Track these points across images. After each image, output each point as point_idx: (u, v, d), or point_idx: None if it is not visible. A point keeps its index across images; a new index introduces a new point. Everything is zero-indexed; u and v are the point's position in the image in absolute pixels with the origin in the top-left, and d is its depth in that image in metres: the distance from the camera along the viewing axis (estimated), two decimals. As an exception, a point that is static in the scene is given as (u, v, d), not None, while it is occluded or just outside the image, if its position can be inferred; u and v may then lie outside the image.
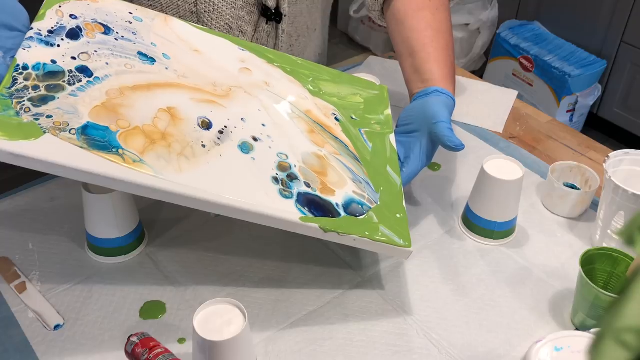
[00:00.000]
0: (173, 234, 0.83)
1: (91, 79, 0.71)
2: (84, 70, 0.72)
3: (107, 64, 0.73)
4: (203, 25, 0.90)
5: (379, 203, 0.74)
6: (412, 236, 0.85)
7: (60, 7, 0.76)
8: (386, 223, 0.72)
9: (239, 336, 0.60)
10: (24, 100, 0.66)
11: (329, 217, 0.70)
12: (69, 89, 0.69)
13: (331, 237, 0.69)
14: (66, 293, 0.75)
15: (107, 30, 0.77)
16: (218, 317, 0.62)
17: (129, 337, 0.66)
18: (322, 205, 0.70)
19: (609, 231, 0.81)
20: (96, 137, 0.65)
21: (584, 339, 0.65)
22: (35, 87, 0.68)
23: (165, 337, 0.70)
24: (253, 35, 0.94)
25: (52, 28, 0.74)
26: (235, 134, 0.72)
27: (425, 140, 0.82)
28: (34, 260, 0.79)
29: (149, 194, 0.65)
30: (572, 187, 0.90)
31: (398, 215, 0.74)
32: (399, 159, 0.82)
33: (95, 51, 0.74)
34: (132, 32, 0.78)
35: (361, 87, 0.89)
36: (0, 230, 0.82)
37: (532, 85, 2.41)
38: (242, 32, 0.93)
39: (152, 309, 0.73)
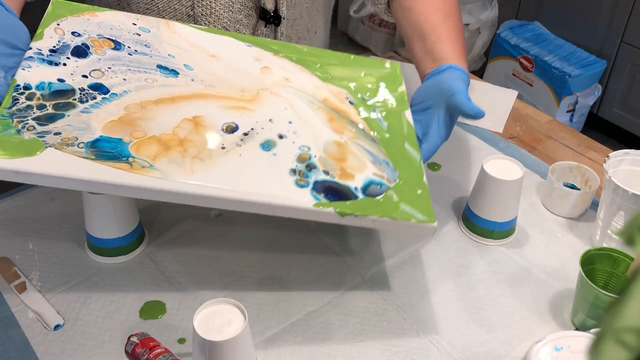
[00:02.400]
0: (173, 234, 0.83)
1: (107, 96, 0.68)
2: (99, 88, 0.69)
3: (124, 79, 0.70)
4: None
5: (398, 181, 0.71)
6: (412, 236, 0.85)
7: (58, 24, 0.74)
8: (406, 200, 0.69)
9: (239, 336, 0.60)
10: (27, 119, 0.64)
11: (346, 201, 0.67)
12: (81, 106, 0.67)
13: (349, 221, 0.67)
14: (66, 293, 0.75)
15: (117, 45, 0.74)
16: (218, 317, 0.62)
17: (129, 337, 0.66)
18: (339, 190, 0.68)
19: (609, 231, 0.81)
20: (106, 149, 0.63)
21: (584, 339, 0.65)
22: (41, 107, 0.65)
23: (165, 337, 0.70)
24: None
25: (55, 47, 0.72)
26: (261, 134, 0.71)
27: (443, 113, 0.79)
28: (34, 260, 0.79)
29: (156, 197, 0.63)
30: (572, 187, 0.90)
31: (419, 192, 0.71)
32: (417, 137, 0.79)
33: (109, 67, 0.71)
34: (145, 45, 0.75)
35: (372, 67, 0.87)
36: (0, 230, 0.82)
37: (532, 85, 2.41)
38: None
39: (152, 309, 0.73)
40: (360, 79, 0.84)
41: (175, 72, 0.74)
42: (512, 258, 0.82)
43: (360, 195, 0.68)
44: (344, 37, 3.08)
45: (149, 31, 0.78)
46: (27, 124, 0.64)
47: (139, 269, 0.78)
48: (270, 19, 0.92)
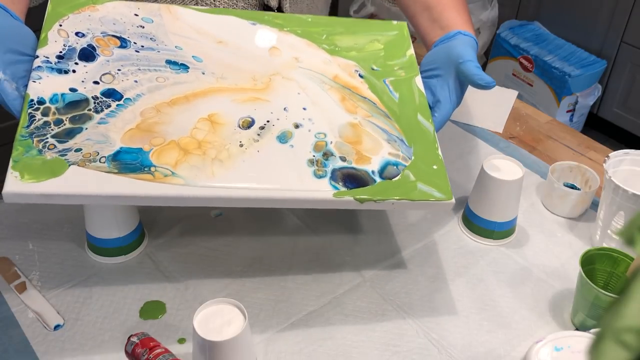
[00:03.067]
0: (173, 234, 0.83)
1: (121, 102, 0.69)
2: (112, 94, 0.69)
3: (135, 82, 0.71)
4: None
5: (413, 158, 0.72)
6: (412, 236, 0.85)
7: (61, 25, 0.74)
8: (423, 178, 0.70)
9: (239, 336, 0.60)
10: (46, 138, 0.64)
11: (364, 187, 0.68)
12: (97, 117, 0.67)
13: (368, 206, 0.68)
14: (66, 293, 0.75)
15: (123, 42, 0.74)
16: (218, 317, 0.62)
17: (129, 337, 0.66)
18: (357, 176, 0.69)
19: (609, 231, 0.81)
20: (127, 160, 0.64)
21: (584, 339, 0.65)
22: (58, 122, 0.66)
23: (165, 337, 0.70)
24: None
25: (61, 52, 0.71)
26: (277, 126, 0.71)
27: (452, 80, 0.79)
28: (34, 260, 0.79)
29: (181, 203, 0.65)
30: (572, 187, 0.90)
31: (434, 167, 0.72)
32: (429, 105, 0.79)
33: (119, 69, 0.71)
34: (151, 39, 0.75)
35: (378, 31, 0.86)
36: (0, 230, 0.82)
37: (532, 85, 2.41)
38: None
39: (152, 309, 0.73)
40: (367, 46, 0.83)
41: (185, 67, 0.74)
42: (512, 258, 0.82)
43: (378, 179, 0.69)
44: (344, 37, 3.08)
45: (152, 21, 0.77)
46: (47, 142, 0.64)
47: (139, 269, 0.78)
48: None
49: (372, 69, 0.81)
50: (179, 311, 0.73)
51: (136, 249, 0.80)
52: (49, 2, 0.77)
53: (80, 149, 0.64)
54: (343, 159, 0.70)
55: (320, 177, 0.68)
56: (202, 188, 0.64)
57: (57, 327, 0.71)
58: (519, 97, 1.17)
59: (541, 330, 0.73)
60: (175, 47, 0.76)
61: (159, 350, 0.64)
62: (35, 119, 0.66)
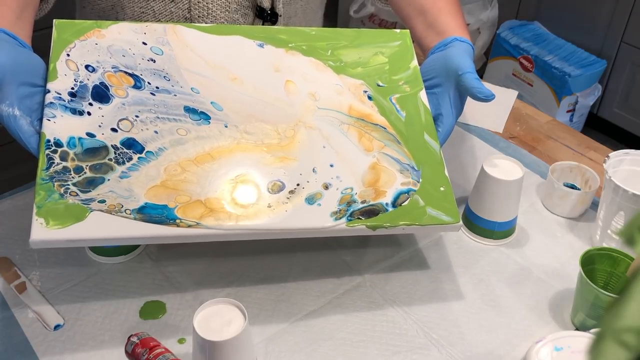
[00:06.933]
0: (173, 234, 0.83)
1: (143, 155, 0.68)
2: (132, 145, 0.69)
3: (156, 132, 0.70)
4: None
5: (421, 181, 0.74)
6: (412, 236, 0.85)
7: (68, 55, 0.73)
8: (432, 203, 0.72)
9: (239, 336, 0.60)
10: (67, 184, 0.65)
11: (377, 216, 0.70)
12: (119, 169, 0.67)
13: (380, 232, 0.70)
14: (66, 293, 0.75)
15: (136, 80, 0.73)
16: (218, 317, 0.62)
17: (129, 337, 0.66)
18: (372, 210, 0.71)
19: (609, 231, 0.81)
20: (153, 214, 0.65)
21: (584, 339, 0.65)
22: (79, 169, 0.66)
23: (165, 337, 0.70)
24: None
25: (73, 89, 0.71)
26: (307, 188, 0.71)
27: (452, 92, 0.80)
28: (34, 260, 0.79)
29: (204, 239, 0.67)
30: (572, 187, 0.90)
31: (442, 189, 0.74)
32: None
33: (137, 116, 0.71)
34: (164, 77, 0.74)
35: (382, 42, 0.86)
36: (0, 230, 0.82)
37: (532, 85, 2.41)
38: None
39: (152, 309, 0.73)
40: (372, 60, 0.84)
41: (205, 116, 0.73)
42: (512, 258, 0.82)
43: (390, 209, 0.71)
44: (344, 37, 3.07)
45: (162, 53, 0.76)
46: (68, 189, 0.65)
47: (139, 269, 0.78)
48: (267, 17, 0.92)
49: (378, 85, 0.82)
50: (179, 311, 0.73)
51: (136, 248, 0.80)
52: (53, 28, 0.76)
53: (104, 201, 0.65)
54: (364, 202, 0.71)
55: (339, 219, 0.69)
56: (226, 231, 0.66)
57: (57, 327, 0.71)
58: (519, 97, 1.17)
59: (541, 330, 0.73)
60: (192, 89, 0.75)
61: (159, 350, 0.64)
62: (54, 163, 0.66)
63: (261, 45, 0.81)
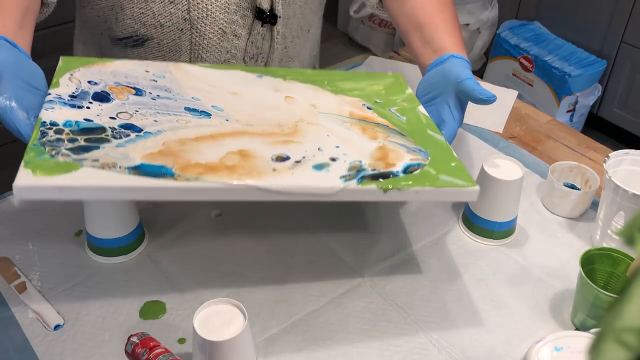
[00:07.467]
0: (173, 234, 0.83)
1: (141, 134, 0.66)
2: (131, 127, 0.67)
3: (155, 121, 0.69)
4: (197, 32, 0.89)
5: (430, 159, 0.72)
6: (412, 236, 0.85)
7: (72, 74, 0.73)
8: (444, 171, 0.70)
9: (239, 336, 0.60)
10: (59, 148, 0.61)
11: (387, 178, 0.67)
12: (116, 141, 0.64)
13: (392, 196, 0.66)
14: (66, 293, 0.75)
15: (138, 91, 0.73)
16: (218, 317, 0.62)
17: (129, 337, 0.66)
18: (383, 174, 0.68)
19: (609, 231, 0.81)
20: (149, 170, 0.61)
21: (584, 339, 0.65)
22: (73, 140, 0.63)
23: (165, 337, 0.70)
24: (248, 39, 0.93)
25: (74, 93, 0.71)
26: (313, 160, 0.68)
27: (452, 99, 0.81)
28: (34, 260, 0.79)
29: (202, 196, 0.61)
30: (572, 187, 0.90)
31: (453, 164, 0.72)
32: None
33: (137, 110, 0.70)
34: (165, 90, 0.74)
35: (376, 79, 0.90)
36: (0, 230, 0.82)
37: (532, 85, 2.41)
38: (236, 35, 0.92)
39: (152, 309, 0.73)
40: (368, 87, 0.87)
41: (207, 114, 0.72)
42: (512, 258, 0.82)
43: (401, 175, 0.68)
44: (344, 37, 3.08)
45: (164, 77, 0.77)
46: (60, 151, 0.61)
47: (139, 269, 0.78)
48: (266, 19, 0.92)
49: (376, 102, 0.84)
50: (179, 311, 0.73)
51: (136, 249, 0.80)
52: (60, 59, 0.77)
53: (97, 160, 0.61)
54: (373, 170, 0.69)
55: (347, 181, 0.66)
56: (228, 185, 0.62)
57: (57, 327, 0.71)
58: (519, 97, 1.17)
59: (541, 330, 0.73)
60: (192, 97, 0.74)
61: (159, 350, 0.64)
62: (47, 135, 0.63)
63: (260, 77, 0.84)
